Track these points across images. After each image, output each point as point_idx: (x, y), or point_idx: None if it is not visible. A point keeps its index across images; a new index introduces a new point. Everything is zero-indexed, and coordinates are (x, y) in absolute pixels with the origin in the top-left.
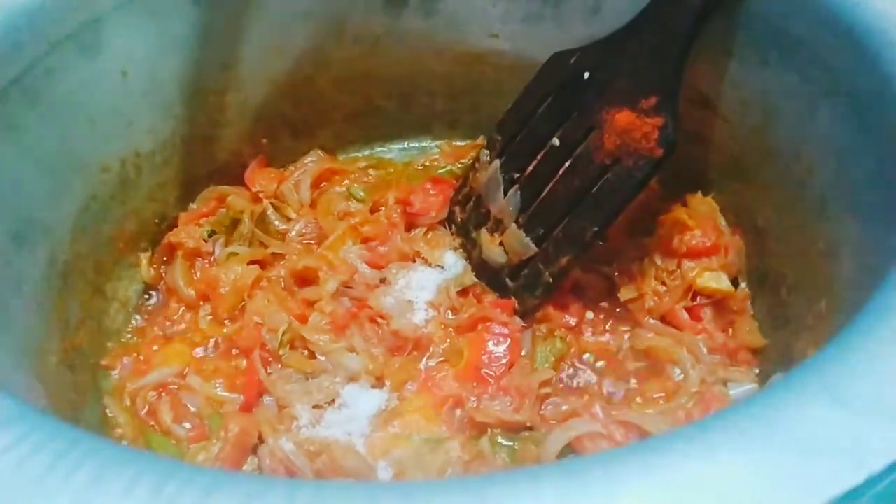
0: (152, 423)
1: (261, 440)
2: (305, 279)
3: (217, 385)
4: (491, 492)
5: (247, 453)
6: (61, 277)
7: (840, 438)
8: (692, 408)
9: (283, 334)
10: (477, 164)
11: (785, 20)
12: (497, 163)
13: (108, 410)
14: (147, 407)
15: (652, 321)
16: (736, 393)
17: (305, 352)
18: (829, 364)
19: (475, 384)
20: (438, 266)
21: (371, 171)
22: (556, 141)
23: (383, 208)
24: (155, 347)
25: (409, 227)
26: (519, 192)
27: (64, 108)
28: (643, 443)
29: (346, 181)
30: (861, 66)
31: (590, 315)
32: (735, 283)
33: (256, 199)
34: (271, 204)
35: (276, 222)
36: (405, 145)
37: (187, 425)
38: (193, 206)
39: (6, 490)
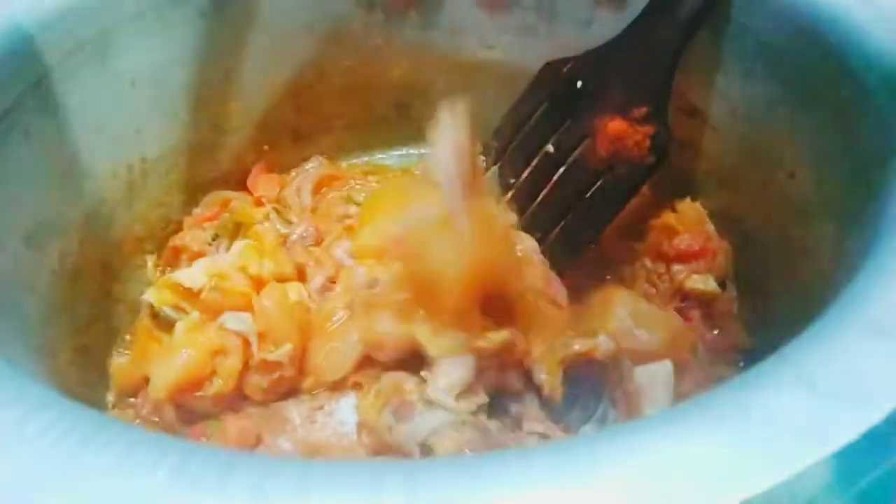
0: (156, 419)
1: (259, 441)
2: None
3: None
4: (485, 468)
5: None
6: (70, 279)
7: (807, 420)
8: None
9: None
10: None
11: (769, 33)
12: (493, 169)
13: (114, 407)
14: (151, 405)
15: None
16: None
17: None
18: (801, 353)
19: None
20: None
21: (371, 176)
22: (550, 148)
23: None
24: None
25: None
26: (514, 198)
27: (76, 115)
28: (626, 425)
29: (347, 186)
30: (840, 78)
31: None
32: (723, 285)
33: (259, 203)
34: (273, 209)
35: (278, 226)
36: (404, 152)
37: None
38: (198, 210)
39: (41, 470)
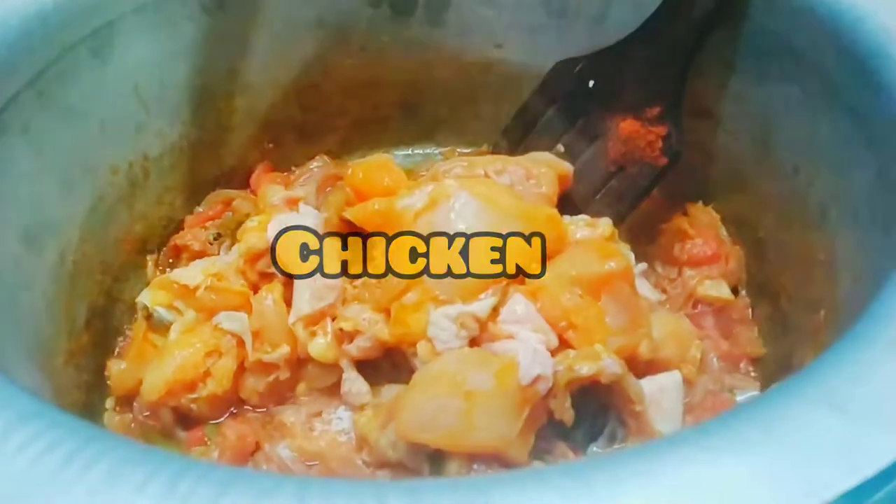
0: (153, 423)
1: (258, 447)
2: None
3: None
4: (497, 491)
5: (245, 459)
6: (69, 278)
7: (837, 444)
8: (700, 413)
9: None
10: None
11: (787, 34)
12: None
13: (111, 411)
14: (149, 409)
15: None
16: (742, 400)
17: None
18: (828, 371)
19: None
20: None
21: None
22: (560, 148)
23: None
24: None
25: None
26: None
27: (75, 111)
28: (647, 445)
29: None
30: (861, 80)
31: None
32: (735, 291)
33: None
34: None
35: None
36: (410, 152)
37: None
38: (200, 209)
39: (21, 487)
